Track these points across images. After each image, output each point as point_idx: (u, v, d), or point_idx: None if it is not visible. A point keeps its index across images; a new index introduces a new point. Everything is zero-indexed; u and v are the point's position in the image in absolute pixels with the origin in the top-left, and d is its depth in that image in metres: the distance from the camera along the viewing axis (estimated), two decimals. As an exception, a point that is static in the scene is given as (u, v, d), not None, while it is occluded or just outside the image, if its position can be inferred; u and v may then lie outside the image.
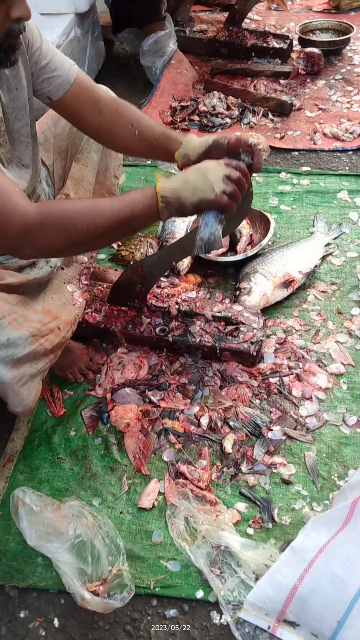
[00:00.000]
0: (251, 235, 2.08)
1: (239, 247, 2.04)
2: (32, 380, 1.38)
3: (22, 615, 1.28)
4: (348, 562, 1.12)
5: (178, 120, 2.84)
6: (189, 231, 2.00)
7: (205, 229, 1.31)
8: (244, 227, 2.09)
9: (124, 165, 2.45)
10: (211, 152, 1.40)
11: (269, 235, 1.99)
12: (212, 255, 2.01)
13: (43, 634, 1.25)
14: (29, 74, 1.36)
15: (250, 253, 1.96)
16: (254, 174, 2.40)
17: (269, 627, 1.18)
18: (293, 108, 2.83)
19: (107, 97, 1.50)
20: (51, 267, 1.53)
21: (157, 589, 1.28)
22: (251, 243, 2.06)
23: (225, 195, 1.24)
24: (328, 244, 2.07)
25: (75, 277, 1.67)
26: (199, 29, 3.43)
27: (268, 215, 2.07)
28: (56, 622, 1.26)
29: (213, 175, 1.24)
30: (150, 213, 1.25)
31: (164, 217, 1.27)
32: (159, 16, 3.01)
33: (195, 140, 1.45)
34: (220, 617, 1.24)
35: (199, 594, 1.26)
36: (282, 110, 2.81)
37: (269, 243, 2.03)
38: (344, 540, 1.15)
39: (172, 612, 1.26)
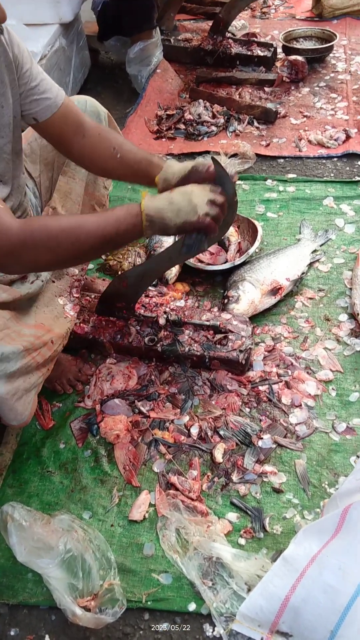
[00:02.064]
0: (239, 243, 2.09)
1: (228, 255, 2.04)
2: (27, 395, 1.37)
3: (12, 633, 1.26)
4: (340, 570, 1.12)
5: (164, 128, 2.85)
6: (176, 240, 2.00)
7: (189, 237, 1.35)
8: (232, 235, 2.10)
9: (110, 175, 2.45)
10: (190, 178, 1.42)
11: (257, 243, 2.00)
12: (202, 264, 2.02)
13: (34, 651, 1.24)
14: (17, 93, 1.37)
15: (237, 262, 1.96)
16: (239, 182, 2.43)
17: (262, 639, 1.17)
18: (278, 115, 2.84)
19: (91, 122, 1.51)
20: (42, 281, 1.52)
21: (149, 603, 1.27)
22: (239, 251, 2.07)
23: (209, 217, 1.27)
24: (315, 251, 2.08)
25: (66, 289, 1.66)
26: (184, 38, 3.45)
27: (255, 222, 2.08)
28: (47, 639, 1.25)
29: (197, 198, 1.27)
30: (134, 231, 1.28)
31: (147, 235, 1.29)
32: (150, 25, 3.01)
33: (176, 166, 1.48)
34: (213, 630, 1.23)
35: (192, 607, 1.26)
36: (267, 117, 2.83)
37: (256, 251, 2.04)
38: (335, 549, 1.14)
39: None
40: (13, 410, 1.33)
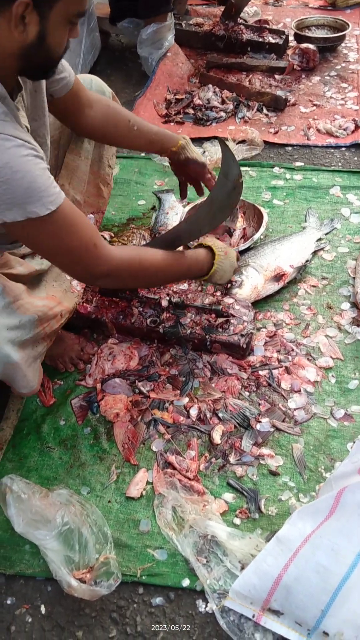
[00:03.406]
0: (244, 228, 2.09)
1: (232, 240, 2.04)
2: (35, 362, 1.42)
3: (8, 602, 1.28)
4: (332, 551, 1.14)
5: (173, 113, 2.84)
6: (179, 222, 2.00)
7: None
8: (238, 221, 2.10)
9: (117, 157, 2.45)
10: (191, 164, 1.71)
11: (261, 229, 2.00)
12: None
13: (29, 620, 1.26)
14: None
15: (241, 247, 1.97)
16: (246, 168, 2.42)
17: (253, 616, 1.19)
18: (287, 103, 2.83)
19: (96, 95, 1.60)
20: None
21: (143, 577, 1.29)
22: (244, 237, 2.07)
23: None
24: (320, 239, 2.08)
25: None
26: (195, 22, 3.42)
27: (261, 208, 2.08)
28: (43, 609, 1.27)
29: (232, 268, 1.65)
30: (197, 276, 1.61)
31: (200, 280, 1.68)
32: (167, 8, 2.99)
33: (194, 150, 1.72)
34: (206, 606, 1.25)
35: (185, 583, 1.27)
36: (277, 105, 2.82)
37: (261, 237, 2.04)
38: (328, 530, 1.16)
39: (158, 600, 1.26)
40: (26, 377, 1.38)
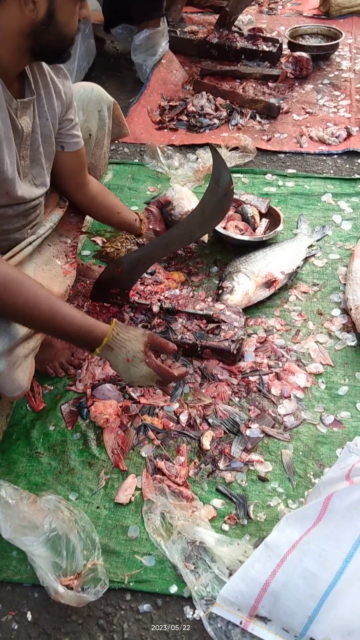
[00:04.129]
0: (268, 220, 2.14)
1: (259, 230, 2.08)
2: (25, 361, 1.35)
3: (-5, 608, 1.27)
4: (320, 557, 1.14)
5: (166, 119, 2.85)
6: (172, 227, 2.01)
7: None
8: (257, 215, 2.14)
9: (110, 163, 2.47)
10: None
11: (281, 224, 2.07)
12: (234, 234, 2.06)
13: (16, 627, 1.25)
14: (62, 113, 1.45)
15: (271, 234, 2.03)
16: (238, 175, 2.43)
17: (241, 622, 1.19)
18: (280, 111, 2.85)
19: (92, 177, 1.73)
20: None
21: (131, 584, 1.28)
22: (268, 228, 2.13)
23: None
24: (311, 246, 2.09)
25: (62, 252, 1.63)
26: (190, 30, 3.45)
27: (276, 208, 2.15)
28: (29, 615, 1.26)
29: (146, 381, 1.35)
30: (80, 343, 1.32)
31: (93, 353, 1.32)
32: (159, 12, 3.01)
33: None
34: (194, 612, 1.24)
35: (173, 589, 1.27)
36: (270, 112, 2.84)
37: (282, 232, 2.10)
38: (316, 536, 1.16)
39: (145, 607, 1.26)
40: (15, 381, 1.31)
